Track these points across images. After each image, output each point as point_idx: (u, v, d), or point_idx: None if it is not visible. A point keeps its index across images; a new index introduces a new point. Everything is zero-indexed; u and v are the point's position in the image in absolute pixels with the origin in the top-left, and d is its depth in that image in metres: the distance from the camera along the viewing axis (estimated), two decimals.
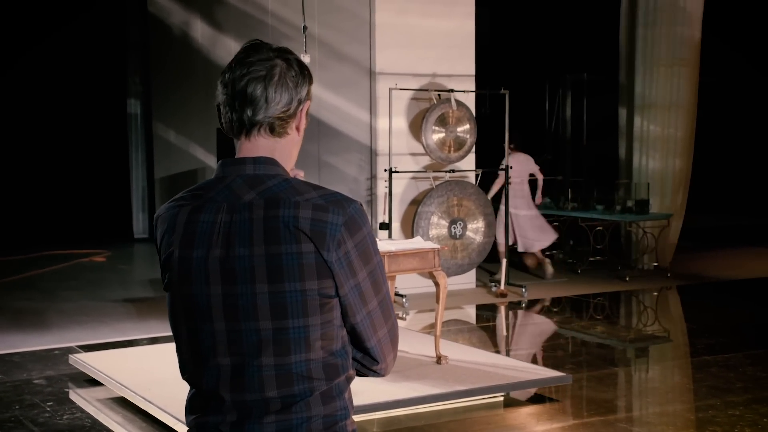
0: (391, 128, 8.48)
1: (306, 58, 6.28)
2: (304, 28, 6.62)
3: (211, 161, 10.78)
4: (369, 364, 1.69)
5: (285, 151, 1.67)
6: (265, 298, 1.56)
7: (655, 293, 9.40)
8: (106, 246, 12.21)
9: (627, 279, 9.80)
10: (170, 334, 5.73)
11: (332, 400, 1.63)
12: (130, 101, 13.58)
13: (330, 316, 1.60)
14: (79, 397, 5.37)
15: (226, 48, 11.02)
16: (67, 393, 5.45)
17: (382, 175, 8.57)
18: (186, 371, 1.68)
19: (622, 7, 10.90)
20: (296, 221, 1.56)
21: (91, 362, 5.64)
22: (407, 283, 8.24)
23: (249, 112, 1.62)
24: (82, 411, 5.12)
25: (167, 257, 1.64)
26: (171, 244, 1.63)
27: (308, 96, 1.68)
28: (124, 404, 5.13)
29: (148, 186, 13.49)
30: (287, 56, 1.67)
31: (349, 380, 1.68)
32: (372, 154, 8.69)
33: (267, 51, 1.65)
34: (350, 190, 8.97)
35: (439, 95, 8.66)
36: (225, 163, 1.65)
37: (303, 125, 1.69)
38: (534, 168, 9.52)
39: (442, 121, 8.61)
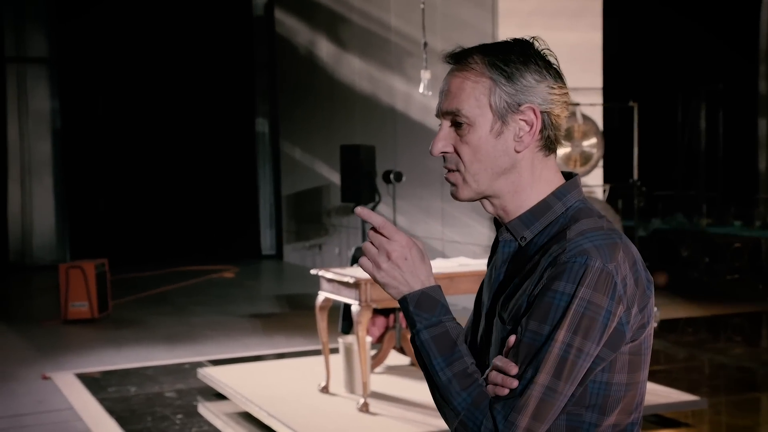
0: None
1: (426, 75, 6.25)
2: (425, 44, 6.60)
3: (334, 178, 10.89)
4: None
5: None
6: None
7: None
8: (234, 262, 12.54)
9: None
10: (295, 349, 5.75)
11: None
12: (258, 120, 13.94)
13: None
14: (208, 410, 5.49)
15: (350, 66, 11.15)
16: (196, 406, 5.58)
17: None
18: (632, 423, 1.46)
19: (762, 13, 10.39)
20: None
21: (218, 377, 5.76)
22: None
23: None
24: (210, 425, 5.22)
25: (647, 303, 1.43)
26: (647, 286, 1.44)
27: None
28: (250, 419, 5.21)
29: (275, 203, 13.79)
30: None
31: None
32: None
33: None
34: (473, 206, 8.85)
35: None
36: (578, 183, 1.49)
37: None
38: None
39: (567, 136, 8.40)
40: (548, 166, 1.47)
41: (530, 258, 1.43)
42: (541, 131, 1.44)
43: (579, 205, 1.45)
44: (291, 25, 12.88)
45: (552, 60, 1.46)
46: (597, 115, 8.74)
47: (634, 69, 12.25)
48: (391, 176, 8.61)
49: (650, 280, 1.44)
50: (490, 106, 1.43)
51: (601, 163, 8.70)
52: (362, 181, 8.89)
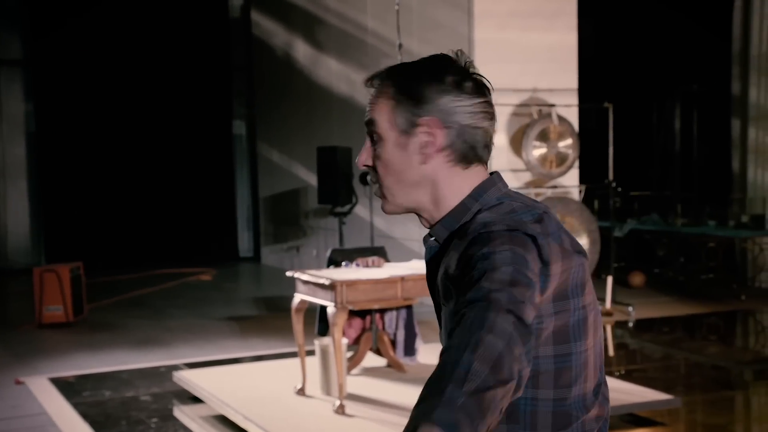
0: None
1: None
2: (399, 45, 6.61)
3: (312, 180, 10.88)
4: None
5: None
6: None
7: None
8: (212, 265, 12.49)
9: (742, 298, 9.34)
10: (272, 352, 5.76)
11: None
12: (235, 122, 13.90)
13: None
14: (183, 414, 5.46)
15: (327, 67, 11.14)
16: (172, 410, 5.55)
17: None
18: (551, 403, 1.43)
19: (734, 15, 10.50)
20: None
21: (194, 380, 5.73)
22: None
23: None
24: (186, 428, 5.19)
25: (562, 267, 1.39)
26: (561, 252, 1.41)
27: None
28: (226, 422, 5.18)
29: (252, 205, 13.75)
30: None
31: None
32: None
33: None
34: None
35: (540, 110, 8.49)
36: (495, 181, 1.49)
37: None
38: None
39: (543, 137, 8.44)
40: (469, 177, 1.48)
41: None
42: (450, 145, 1.45)
43: (495, 202, 1.46)
44: (267, 26, 12.85)
45: (475, 73, 1.48)
46: (573, 116, 8.79)
47: (610, 70, 12.32)
48: (369, 178, 8.61)
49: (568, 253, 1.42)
50: (395, 122, 1.47)
51: (576, 163, 8.75)
52: (339, 183, 8.88)
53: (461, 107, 1.45)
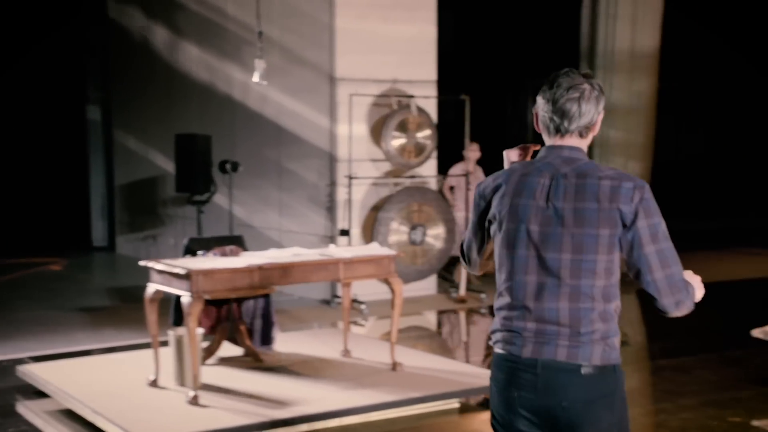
0: (351, 134, 8.43)
1: (261, 64, 6.22)
2: (260, 33, 6.56)
3: (169, 167, 10.63)
4: (651, 299, 2.30)
5: (584, 146, 2.39)
6: (569, 237, 2.26)
7: None
8: (64, 255, 12.02)
9: None
10: (125, 343, 5.65)
11: (607, 321, 2.28)
12: (90, 107, 13.39)
13: (613, 256, 2.28)
14: (27, 409, 5.25)
15: (186, 53, 10.91)
16: (14, 405, 5.32)
17: (342, 181, 8.51)
18: (502, 284, 2.37)
19: (583, 13, 10.97)
20: (598, 188, 2.27)
21: (39, 373, 5.52)
22: (368, 289, 8.18)
23: (566, 123, 2.34)
24: (29, 424, 5.00)
25: (499, 202, 2.36)
26: (504, 194, 2.35)
27: (602, 108, 2.37)
28: (72, 416, 5.02)
29: (107, 193, 13.31)
30: (591, 81, 2.36)
31: (617, 310, 2.31)
32: (332, 160, 8.63)
33: (578, 77, 2.34)
34: (310, 196, 8.89)
35: (399, 101, 8.62)
36: (549, 148, 2.38)
37: (597, 130, 2.38)
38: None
39: (402, 127, 8.57)
40: (545, 142, 2.41)
41: None
42: (535, 123, 2.45)
43: (530, 162, 2.42)
44: (124, 9, 12.44)
45: (561, 78, 2.36)
46: (431, 107, 8.96)
47: (468, 63, 12.63)
48: (228, 166, 8.51)
49: (504, 195, 2.38)
50: None
51: (435, 154, 8.94)
52: (198, 171, 8.73)
53: (540, 100, 2.41)
